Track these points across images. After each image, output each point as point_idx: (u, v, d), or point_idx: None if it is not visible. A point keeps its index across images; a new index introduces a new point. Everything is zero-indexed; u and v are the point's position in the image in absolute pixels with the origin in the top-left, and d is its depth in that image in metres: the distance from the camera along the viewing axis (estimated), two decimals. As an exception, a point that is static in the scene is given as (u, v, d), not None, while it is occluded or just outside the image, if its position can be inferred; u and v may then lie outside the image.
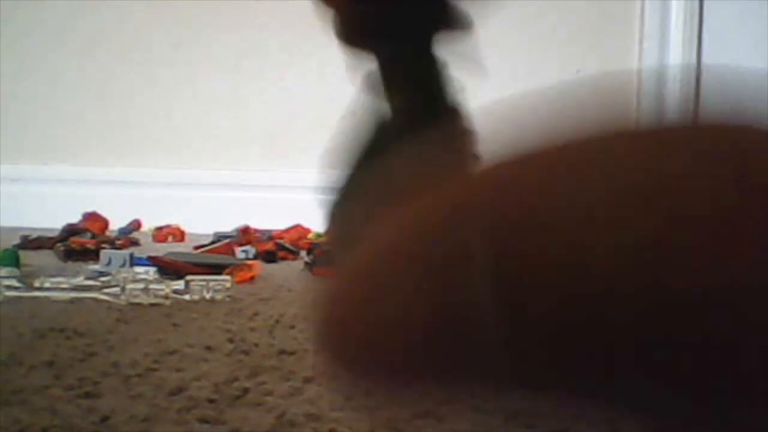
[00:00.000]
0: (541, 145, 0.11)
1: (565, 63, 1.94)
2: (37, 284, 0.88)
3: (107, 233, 1.63)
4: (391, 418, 0.44)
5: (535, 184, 0.11)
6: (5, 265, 0.97)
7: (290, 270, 1.20)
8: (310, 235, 1.62)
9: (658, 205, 0.10)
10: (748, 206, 0.10)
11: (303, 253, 1.32)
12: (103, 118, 2.09)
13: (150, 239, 1.68)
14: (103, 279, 0.94)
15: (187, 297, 0.86)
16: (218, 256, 1.23)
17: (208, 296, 0.87)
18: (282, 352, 0.62)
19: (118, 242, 1.45)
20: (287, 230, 1.63)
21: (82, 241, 1.34)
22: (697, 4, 1.96)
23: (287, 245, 1.40)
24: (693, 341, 0.10)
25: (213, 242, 1.39)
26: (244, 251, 1.31)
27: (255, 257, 1.28)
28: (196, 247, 1.32)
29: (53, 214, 1.69)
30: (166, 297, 0.85)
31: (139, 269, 0.98)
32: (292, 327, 0.73)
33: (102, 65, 2.08)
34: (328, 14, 0.30)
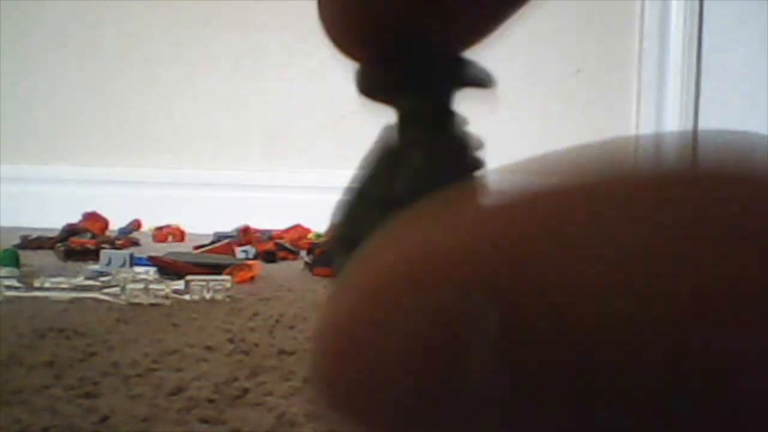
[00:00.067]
0: (547, 191, 0.11)
1: (565, 63, 1.94)
2: (37, 284, 0.88)
3: (107, 233, 1.63)
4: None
5: (541, 235, 0.11)
6: (5, 265, 0.97)
7: (290, 270, 1.20)
8: (310, 235, 1.62)
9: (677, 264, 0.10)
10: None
11: (303, 253, 1.32)
12: (103, 118, 2.09)
13: (150, 239, 1.68)
14: (103, 279, 0.94)
15: (187, 297, 0.86)
16: (218, 256, 1.23)
17: (208, 296, 0.87)
18: (282, 352, 0.62)
19: (118, 242, 1.45)
20: (287, 230, 1.63)
21: (82, 241, 1.34)
22: (697, 4, 1.96)
23: (287, 245, 1.40)
24: (710, 404, 0.10)
25: (213, 242, 1.39)
26: (244, 251, 1.31)
27: (255, 257, 1.28)
28: (196, 247, 1.32)
29: (53, 214, 1.69)
30: (166, 297, 0.85)
31: (139, 269, 0.98)
32: (292, 327, 0.73)
33: (102, 65, 2.08)
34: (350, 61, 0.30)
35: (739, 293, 0.10)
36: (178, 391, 0.51)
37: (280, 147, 2.02)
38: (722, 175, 0.11)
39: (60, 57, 2.09)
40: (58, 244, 1.32)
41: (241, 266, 1.07)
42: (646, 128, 1.98)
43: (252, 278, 1.05)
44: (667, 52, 1.97)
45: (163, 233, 1.71)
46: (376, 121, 0.20)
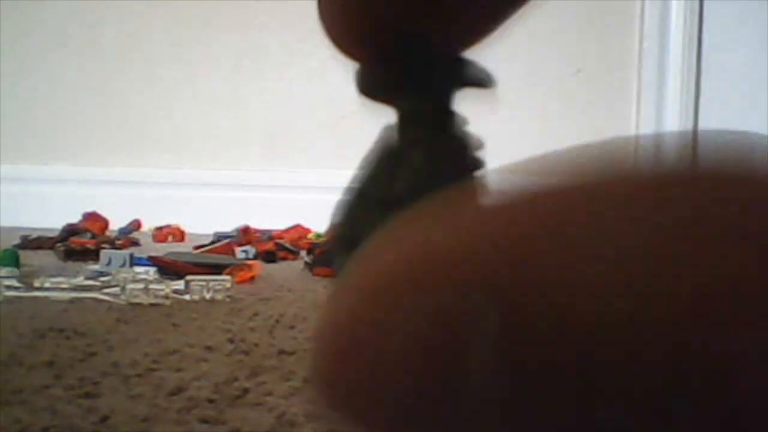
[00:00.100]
0: (547, 191, 0.11)
1: (565, 63, 1.95)
2: (37, 284, 0.88)
3: (107, 233, 1.63)
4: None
5: (542, 234, 0.11)
6: (5, 265, 0.97)
7: (290, 270, 1.20)
8: (310, 235, 1.62)
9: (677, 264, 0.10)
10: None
11: (303, 253, 1.32)
12: (103, 118, 2.09)
13: (150, 239, 1.68)
14: (103, 279, 0.94)
15: (187, 297, 0.86)
16: (218, 256, 1.23)
17: (208, 296, 0.87)
18: (282, 352, 0.62)
19: (118, 242, 1.45)
20: (287, 230, 1.63)
21: (82, 241, 1.34)
22: (697, 4, 1.96)
23: (287, 245, 1.40)
24: (710, 404, 0.10)
25: (213, 242, 1.39)
26: (244, 251, 1.31)
27: (255, 257, 1.28)
28: (196, 247, 1.32)
29: (53, 214, 1.69)
30: (166, 297, 0.85)
31: (139, 269, 0.98)
32: (292, 327, 0.73)
33: (102, 65, 2.08)
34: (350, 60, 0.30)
35: (739, 293, 0.10)
36: (178, 391, 0.51)
37: (280, 147, 2.02)
38: (722, 175, 0.11)
39: (60, 57, 2.09)
40: (58, 244, 1.32)
41: (241, 266, 1.07)
42: (646, 128, 1.98)
43: (252, 278, 1.05)
44: (667, 52, 1.97)
45: (163, 233, 1.71)
46: (376, 121, 0.20)
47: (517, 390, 0.11)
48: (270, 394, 0.51)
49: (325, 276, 1.10)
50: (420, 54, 0.20)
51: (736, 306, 0.10)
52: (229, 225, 1.64)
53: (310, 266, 1.16)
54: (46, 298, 0.85)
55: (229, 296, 0.88)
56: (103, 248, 1.19)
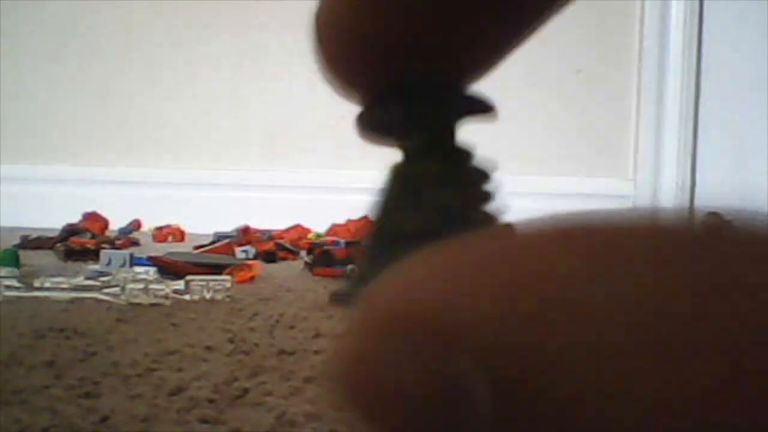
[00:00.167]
0: (546, 256, 0.11)
1: (565, 63, 1.95)
2: (37, 284, 0.88)
3: (107, 233, 1.63)
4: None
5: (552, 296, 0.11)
6: (5, 265, 0.97)
7: (290, 270, 1.20)
8: (310, 235, 1.62)
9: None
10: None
11: (303, 253, 1.32)
12: (103, 118, 2.09)
13: (150, 239, 1.68)
14: (103, 279, 0.94)
15: (187, 297, 0.86)
16: (218, 256, 1.23)
17: (208, 296, 0.87)
18: (282, 352, 0.62)
19: (118, 242, 1.45)
20: (287, 230, 1.63)
21: (82, 241, 1.34)
22: (697, 4, 1.96)
23: (287, 245, 1.40)
24: None
25: (213, 242, 1.39)
26: (244, 251, 1.31)
27: (255, 257, 1.28)
28: (196, 247, 1.32)
29: (53, 214, 1.69)
30: (166, 297, 0.85)
31: (139, 269, 0.98)
32: (292, 327, 0.73)
33: (102, 65, 2.08)
34: (348, 75, 0.30)
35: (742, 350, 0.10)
36: (178, 391, 0.51)
37: (280, 147, 2.02)
38: (729, 237, 0.11)
39: (60, 57, 2.09)
40: (58, 244, 1.32)
41: (241, 266, 1.07)
42: (646, 128, 1.98)
43: (252, 278, 1.05)
44: (667, 52, 1.97)
45: (163, 233, 1.71)
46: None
47: None
48: (270, 394, 0.51)
49: (325, 276, 1.10)
50: (422, 91, 0.20)
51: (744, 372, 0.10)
52: (229, 225, 1.64)
53: (310, 266, 1.16)
54: (46, 298, 0.85)
55: (229, 296, 0.88)
56: (103, 248, 1.19)
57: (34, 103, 2.10)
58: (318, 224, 1.70)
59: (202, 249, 1.30)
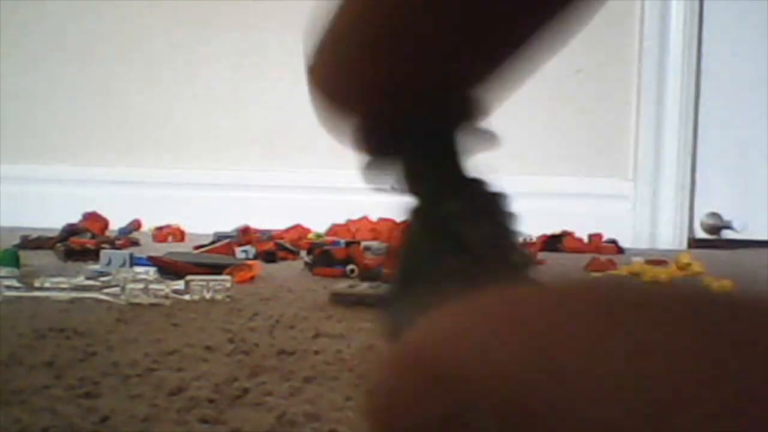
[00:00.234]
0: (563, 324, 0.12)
1: (565, 63, 1.95)
2: (37, 284, 0.88)
3: (107, 233, 1.63)
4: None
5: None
6: (5, 265, 0.97)
7: (290, 270, 1.20)
8: (310, 235, 1.62)
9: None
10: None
11: (303, 253, 1.32)
12: (103, 118, 2.09)
13: (150, 239, 1.68)
14: (103, 279, 0.94)
15: (187, 297, 0.86)
16: (218, 256, 1.23)
17: (208, 296, 0.87)
18: (282, 352, 0.62)
19: (118, 242, 1.45)
20: (287, 230, 1.63)
21: (82, 241, 1.34)
22: (697, 4, 1.96)
23: (287, 245, 1.40)
24: None
25: (213, 242, 1.39)
26: (244, 251, 1.31)
27: (255, 257, 1.28)
28: (196, 247, 1.32)
29: (53, 214, 1.69)
30: (166, 297, 0.85)
31: (139, 269, 0.98)
32: (292, 327, 0.73)
33: (102, 65, 2.08)
34: (347, 127, 0.31)
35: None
36: (178, 391, 0.51)
37: (280, 147, 2.02)
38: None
39: (60, 57, 2.09)
40: (58, 244, 1.32)
41: (241, 266, 1.07)
42: (646, 128, 1.98)
43: (252, 278, 1.05)
44: (667, 52, 1.97)
45: (163, 233, 1.71)
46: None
47: None
48: (270, 394, 0.51)
49: (325, 276, 1.10)
50: (422, 138, 0.21)
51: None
52: (229, 225, 1.64)
53: (310, 266, 1.16)
54: (46, 298, 0.85)
55: (229, 296, 0.88)
56: (103, 248, 1.19)
57: (34, 103, 2.10)
58: (318, 224, 1.70)
59: (202, 249, 1.30)
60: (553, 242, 1.65)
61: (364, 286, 0.92)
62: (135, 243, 1.54)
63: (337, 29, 0.33)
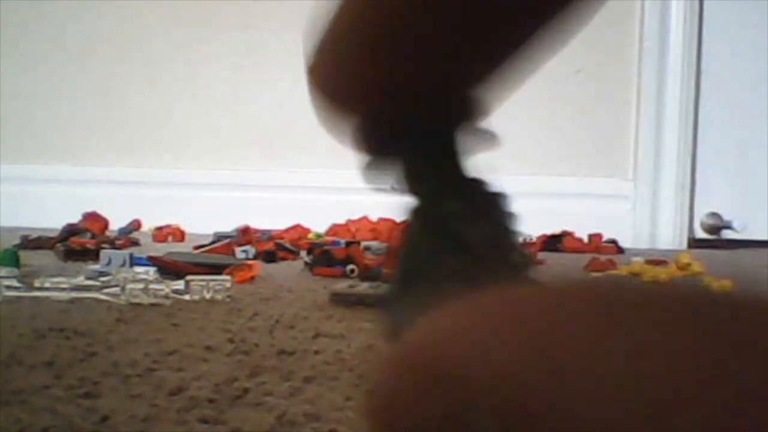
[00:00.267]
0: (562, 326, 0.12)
1: (565, 63, 1.94)
2: (37, 284, 0.88)
3: (107, 233, 1.63)
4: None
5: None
6: (5, 265, 0.97)
7: (290, 270, 1.20)
8: (310, 235, 1.62)
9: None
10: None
11: (303, 253, 1.32)
12: (103, 118, 2.09)
13: (150, 239, 1.68)
14: (103, 279, 0.94)
15: (187, 297, 0.86)
16: (218, 256, 1.23)
17: (208, 296, 0.87)
18: (282, 352, 0.62)
19: (118, 242, 1.45)
20: (287, 230, 1.63)
21: (82, 241, 1.34)
22: (697, 4, 1.96)
23: (287, 245, 1.40)
24: None
25: (213, 242, 1.39)
26: (244, 251, 1.31)
27: (255, 257, 1.28)
28: (196, 247, 1.32)
29: (53, 214, 1.69)
30: (166, 297, 0.85)
31: (139, 269, 0.98)
32: (292, 327, 0.73)
33: (102, 65, 2.08)
34: (347, 127, 0.31)
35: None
36: (178, 391, 0.51)
37: (280, 147, 2.02)
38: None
39: (60, 57, 2.09)
40: (58, 244, 1.32)
41: (241, 266, 1.07)
42: (646, 128, 1.98)
43: (252, 278, 1.05)
44: (667, 52, 1.97)
45: (163, 233, 1.71)
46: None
47: None
48: (270, 394, 0.51)
49: (325, 276, 1.10)
50: (421, 138, 0.21)
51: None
52: (229, 225, 1.64)
53: (310, 266, 1.16)
54: (46, 298, 0.85)
55: (229, 296, 0.88)
56: (103, 248, 1.19)
57: (34, 103, 2.10)
58: (318, 224, 1.70)
59: (202, 249, 1.30)
60: (553, 242, 1.65)
61: (364, 286, 0.92)
62: (135, 243, 1.54)
63: (337, 29, 0.33)
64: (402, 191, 0.25)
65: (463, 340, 0.12)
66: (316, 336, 0.69)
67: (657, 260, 1.26)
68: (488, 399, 0.11)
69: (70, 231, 1.46)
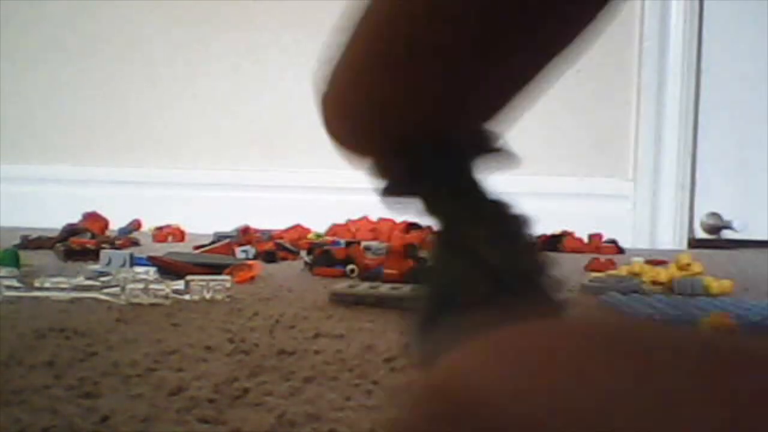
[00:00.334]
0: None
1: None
2: (37, 284, 0.88)
3: (107, 233, 1.63)
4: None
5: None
6: (5, 265, 0.97)
7: (290, 270, 1.20)
8: (310, 235, 1.62)
9: None
10: None
11: (303, 253, 1.32)
12: (103, 118, 2.09)
13: (150, 239, 1.68)
14: (103, 279, 0.93)
15: (187, 297, 0.86)
16: (218, 256, 1.23)
17: (208, 296, 0.87)
18: (282, 352, 0.62)
19: (118, 242, 1.45)
20: (287, 230, 1.63)
21: (82, 241, 1.34)
22: (697, 4, 1.96)
23: (287, 245, 1.40)
24: None
25: (213, 242, 1.39)
26: (244, 251, 1.31)
27: (255, 257, 1.28)
28: (196, 247, 1.32)
29: (53, 214, 1.69)
30: (166, 297, 0.85)
31: (139, 269, 0.98)
32: (292, 327, 0.73)
33: (102, 65, 2.08)
34: (362, 159, 0.31)
35: None
36: (178, 391, 0.51)
37: (280, 147, 2.02)
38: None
39: (60, 57, 2.09)
40: (58, 244, 1.32)
41: (241, 266, 1.07)
42: (646, 128, 1.98)
43: (252, 278, 1.05)
44: (667, 52, 1.97)
45: (163, 233, 1.71)
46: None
47: None
48: (270, 394, 0.51)
49: (325, 276, 1.10)
50: (436, 166, 0.21)
51: None
52: (229, 225, 1.64)
53: (310, 266, 1.16)
54: (46, 298, 0.85)
55: (229, 296, 0.88)
56: (103, 248, 1.19)
57: (34, 103, 2.10)
58: (318, 224, 1.70)
59: (202, 249, 1.30)
60: (553, 242, 1.65)
61: (364, 286, 0.92)
62: (135, 243, 1.54)
63: (351, 57, 0.33)
64: (423, 214, 0.25)
65: (492, 378, 0.13)
66: (316, 336, 0.69)
67: (657, 260, 1.26)
68: None
69: (70, 231, 1.46)
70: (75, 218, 1.62)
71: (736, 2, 1.95)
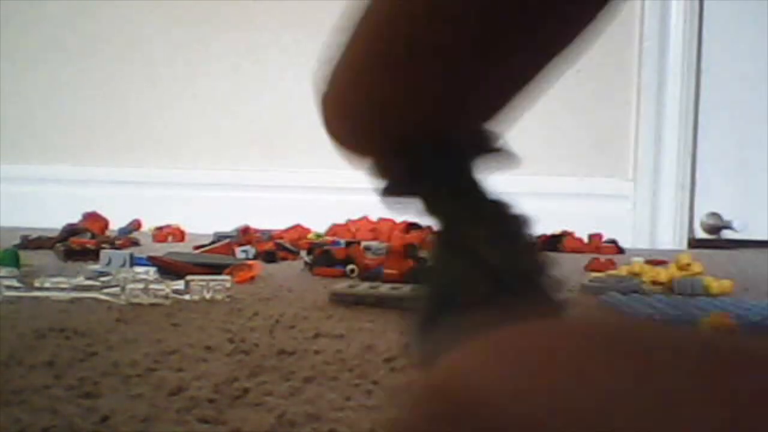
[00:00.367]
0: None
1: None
2: (37, 284, 0.88)
3: (107, 233, 1.63)
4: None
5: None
6: (5, 265, 0.97)
7: (290, 270, 1.20)
8: (310, 235, 1.62)
9: None
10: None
11: (303, 253, 1.32)
12: (103, 118, 2.09)
13: (150, 239, 1.68)
14: (103, 279, 0.93)
15: (187, 297, 0.86)
16: (218, 256, 1.23)
17: (208, 296, 0.87)
18: (282, 352, 0.62)
19: (118, 242, 1.45)
20: (287, 230, 1.63)
21: (82, 241, 1.34)
22: (697, 4, 1.96)
23: (287, 245, 1.40)
24: None
25: (213, 242, 1.39)
26: (244, 251, 1.31)
27: (255, 257, 1.28)
28: (196, 247, 1.32)
29: (53, 214, 1.69)
30: (166, 297, 0.85)
31: (139, 269, 0.98)
32: (292, 327, 0.73)
33: (102, 65, 2.08)
34: (362, 159, 0.31)
35: None
36: (178, 391, 0.51)
37: (280, 147, 2.02)
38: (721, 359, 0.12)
39: (60, 57, 2.09)
40: (58, 244, 1.32)
41: (241, 266, 1.07)
42: (646, 128, 1.98)
43: (252, 278, 1.05)
44: (667, 52, 1.97)
45: (163, 233, 1.71)
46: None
47: None
48: (270, 394, 0.51)
49: (325, 276, 1.10)
50: (436, 168, 0.21)
51: None
52: (229, 225, 1.64)
53: (310, 266, 1.16)
54: (46, 298, 0.85)
55: (229, 296, 0.88)
56: (103, 248, 1.19)
57: (34, 103, 2.10)
58: (318, 224, 1.70)
59: (202, 249, 1.30)
60: (553, 242, 1.65)
61: (364, 286, 0.92)
62: (135, 243, 1.54)
63: (351, 57, 0.33)
64: (423, 214, 0.25)
65: (492, 378, 0.13)
66: (316, 336, 0.69)
67: (657, 260, 1.26)
68: None
69: (70, 231, 1.46)
70: (75, 218, 1.62)
71: (736, 2, 1.95)
